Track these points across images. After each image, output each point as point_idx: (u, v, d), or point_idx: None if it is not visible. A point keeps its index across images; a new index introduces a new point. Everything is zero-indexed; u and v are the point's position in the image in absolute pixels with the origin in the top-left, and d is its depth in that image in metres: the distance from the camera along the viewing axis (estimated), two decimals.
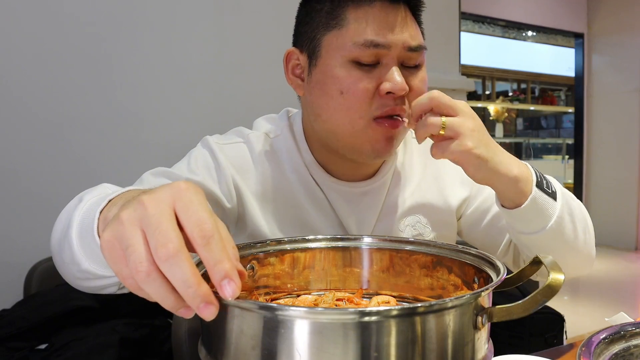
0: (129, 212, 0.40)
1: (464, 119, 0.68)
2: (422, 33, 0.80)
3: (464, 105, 0.69)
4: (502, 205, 0.74)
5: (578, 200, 0.81)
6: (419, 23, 0.80)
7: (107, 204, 0.53)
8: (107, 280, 0.57)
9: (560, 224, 0.73)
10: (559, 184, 0.80)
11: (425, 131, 0.68)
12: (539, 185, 0.72)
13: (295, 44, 0.82)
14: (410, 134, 0.92)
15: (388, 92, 0.73)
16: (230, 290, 0.38)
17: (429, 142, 0.92)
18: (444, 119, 0.66)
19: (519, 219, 0.73)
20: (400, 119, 0.75)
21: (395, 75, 0.72)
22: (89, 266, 0.55)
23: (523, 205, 0.71)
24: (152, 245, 0.38)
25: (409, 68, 0.76)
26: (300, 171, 0.84)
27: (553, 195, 0.73)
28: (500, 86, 6.79)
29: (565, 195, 0.76)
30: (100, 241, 0.41)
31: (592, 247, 0.82)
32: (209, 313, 0.38)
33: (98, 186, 0.65)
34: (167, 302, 0.38)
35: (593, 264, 0.83)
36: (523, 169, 0.72)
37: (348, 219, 0.84)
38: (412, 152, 0.92)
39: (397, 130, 0.76)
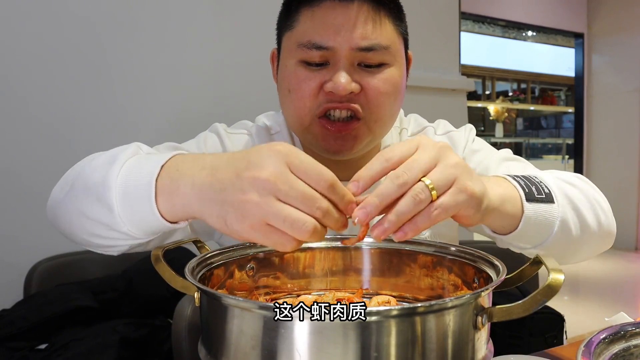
0: (255, 194, 0.45)
1: (443, 158, 0.51)
2: (400, 28, 0.78)
3: (419, 140, 0.52)
4: (494, 232, 0.66)
5: (577, 179, 0.74)
6: (398, 18, 0.78)
7: (160, 170, 0.53)
8: (131, 241, 0.60)
9: (565, 225, 0.66)
10: (551, 174, 0.73)
11: (409, 211, 0.48)
12: (529, 196, 0.62)
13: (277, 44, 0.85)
14: (405, 132, 0.91)
15: (331, 92, 0.73)
16: (364, 214, 0.47)
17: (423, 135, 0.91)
18: (426, 180, 0.48)
19: (518, 239, 0.65)
20: (357, 119, 0.75)
21: (338, 77, 0.72)
22: (127, 229, 0.56)
23: (518, 228, 0.62)
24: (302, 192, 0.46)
25: (368, 67, 0.75)
26: None
27: (549, 197, 0.65)
28: (500, 86, 6.79)
29: (561, 187, 0.68)
30: (242, 228, 0.46)
31: (610, 224, 0.74)
32: (365, 214, 0.47)
33: (129, 145, 0.64)
34: (335, 222, 0.48)
35: (614, 238, 0.75)
36: (504, 185, 0.62)
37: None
38: None
39: (351, 130, 0.75)
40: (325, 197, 0.47)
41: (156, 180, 0.53)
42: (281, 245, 0.47)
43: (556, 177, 0.71)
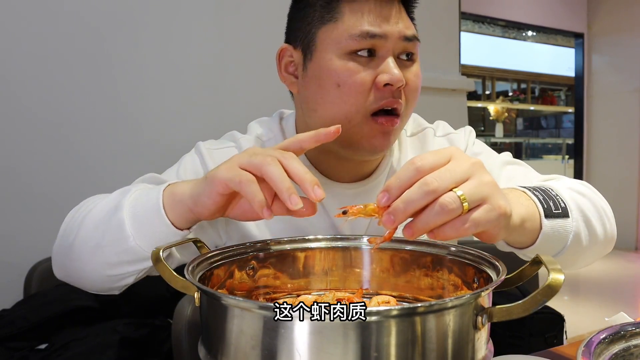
0: (245, 157, 0.57)
1: (477, 173, 0.50)
2: (415, 29, 0.80)
3: (452, 152, 0.52)
4: (509, 245, 0.66)
5: (586, 189, 0.74)
6: (412, 19, 0.80)
7: (168, 186, 0.65)
8: (139, 265, 0.66)
9: (577, 237, 0.67)
10: (562, 184, 0.74)
11: (436, 220, 0.48)
12: (548, 212, 0.63)
13: (288, 40, 0.82)
14: (404, 132, 0.90)
15: (386, 84, 0.72)
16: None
17: (422, 136, 0.90)
18: (458, 191, 0.48)
19: (531, 253, 0.64)
20: (397, 115, 0.75)
21: (392, 67, 0.72)
22: (136, 244, 0.63)
23: (535, 244, 0.63)
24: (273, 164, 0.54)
25: (403, 61, 0.76)
26: None
27: (564, 212, 0.65)
28: (500, 86, 6.79)
29: (575, 200, 0.69)
30: (223, 175, 0.56)
31: (613, 231, 0.75)
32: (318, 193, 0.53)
33: (138, 184, 0.73)
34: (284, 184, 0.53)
35: (614, 243, 0.77)
36: (525, 203, 0.62)
37: (341, 221, 0.81)
38: (406, 150, 0.89)
39: (394, 126, 0.75)
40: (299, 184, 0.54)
41: (163, 191, 0.64)
42: (248, 187, 0.54)
43: (568, 187, 0.72)
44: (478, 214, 0.49)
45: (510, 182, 0.81)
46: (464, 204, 0.47)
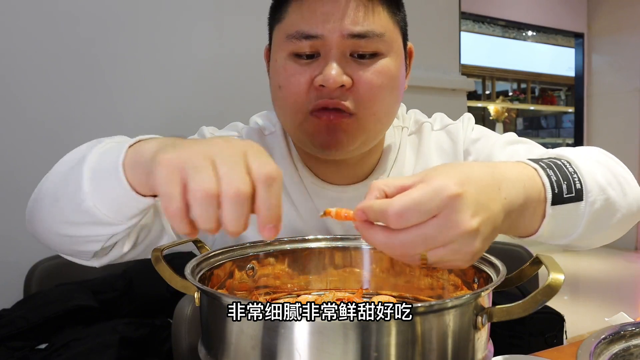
0: (202, 146, 0.43)
1: (446, 209, 0.43)
2: (397, 17, 0.75)
3: (424, 176, 0.46)
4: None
5: (603, 156, 0.67)
6: (394, 6, 0.74)
7: (136, 142, 0.53)
8: (102, 229, 0.56)
9: (595, 217, 0.59)
10: (580, 153, 0.64)
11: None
12: (557, 198, 0.55)
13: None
14: (405, 133, 0.87)
15: (321, 85, 0.69)
16: (271, 234, 0.42)
17: (420, 133, 0.87)
18: (424, 256, 0.45)
19: (537, 240, 0.59)
20: (341, 112, 0.71)
21: (328, 68, 0.68)
22: (93, 205, 0.53)
23: (535, 235, 0.57)
24: (237, 173, 0.41)
25: (360, 59, 0.71)
26: (290, 174, 0.81)
27: (578, 195, 0.57)
28: (500, 86, 6.78)
29: (593, 173, 0.60)
30: (158, 159, 0.43)
31: (637, 198, 0.67)
32: (274, 233, 0.43)
33: (117, 136, 0.64)
34: (210, 223, 0.41)
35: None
36: (529, 184, 0.53)
37: (335, 226, 0.80)
38: (404, 150, 0.86)
39: (342, 123, 0.71)
40: (260, 189, 0.42)
41: (129, 147, 0.52)
42: (167, 195, 0.42)
43: (585, 157, 0.64)
44: (434, 262, 0.46)
45: None
46: (422, 260, 0.45)
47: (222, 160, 0.42)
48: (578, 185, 0.57)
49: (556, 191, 0.55)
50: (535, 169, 0.55)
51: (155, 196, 0.53)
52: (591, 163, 0.62)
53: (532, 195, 0.53)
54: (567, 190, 0.56)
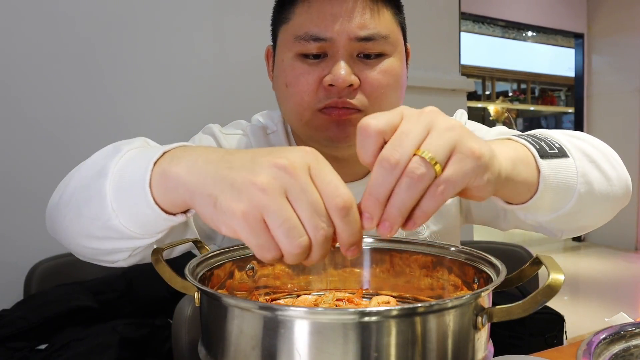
0: (266, 178, 0.39)
1: (436, 122, 0.44)
2: (399, 17, 0.77)
3: (401, 111, 0.45)
4: (509, 203, 0.57)
5: (581, 134, 0.68)
6: (396, 7, 0.77)
7: (162, 155, 0.49)
8: (129, 243, 0.55)
9: (587, 179, 0.58)
10: (553, 131, 0.65)
11: (411, 197, 0.41)
12: (542, 152, 0.55)
13: (272, 41, 0.83)
14: None
15: (330, 85, 0.71)
16: (354, 254, 0.43)
17: None
18: (422, 152, 0.41)
19: (537, 207, 0.56)
20: (350, 108, 0.72)
21: (337, 68, 0.71)
22: (119, 223, 0.51)
23: (538, 192, 0.54)
24: (315, 207, 0.40)
25: (367, 59, 0.73)
26: None
27: (561, 151, 0.57)
28: (500, 86, 6.78)
29: (572, 142, 0.61)
30: (233, 210, 0.39)
31: (626, 177, 0.66)
32: (357, 253, 0.43)
33: (135, 139, 0.60)
34: (320, 255, 0.42)
35: (630, 192, 0.68)
36: (512, 145, 0.54)
37: None
38: None
39: (351, 118, 0.73)
40: (337, 219, 0.40)
41: (155, 163, 0.48)
42: (264, 250, 0.40)
43: (561, 132, 0.65)
44: (450, 170, 0.42)
45: None
46: (435, 167, 0.41)
47: (296, 196, 0.39)
48: (557, 145, 0.58)
49: (538, 147, 0.56)
50: (510, 138, 0.58)
51: (186, 212, 0.50)
52: (566, 135, 0.64)
53: (518, 150, 0.54)
54: (548, 147, 0.57)
